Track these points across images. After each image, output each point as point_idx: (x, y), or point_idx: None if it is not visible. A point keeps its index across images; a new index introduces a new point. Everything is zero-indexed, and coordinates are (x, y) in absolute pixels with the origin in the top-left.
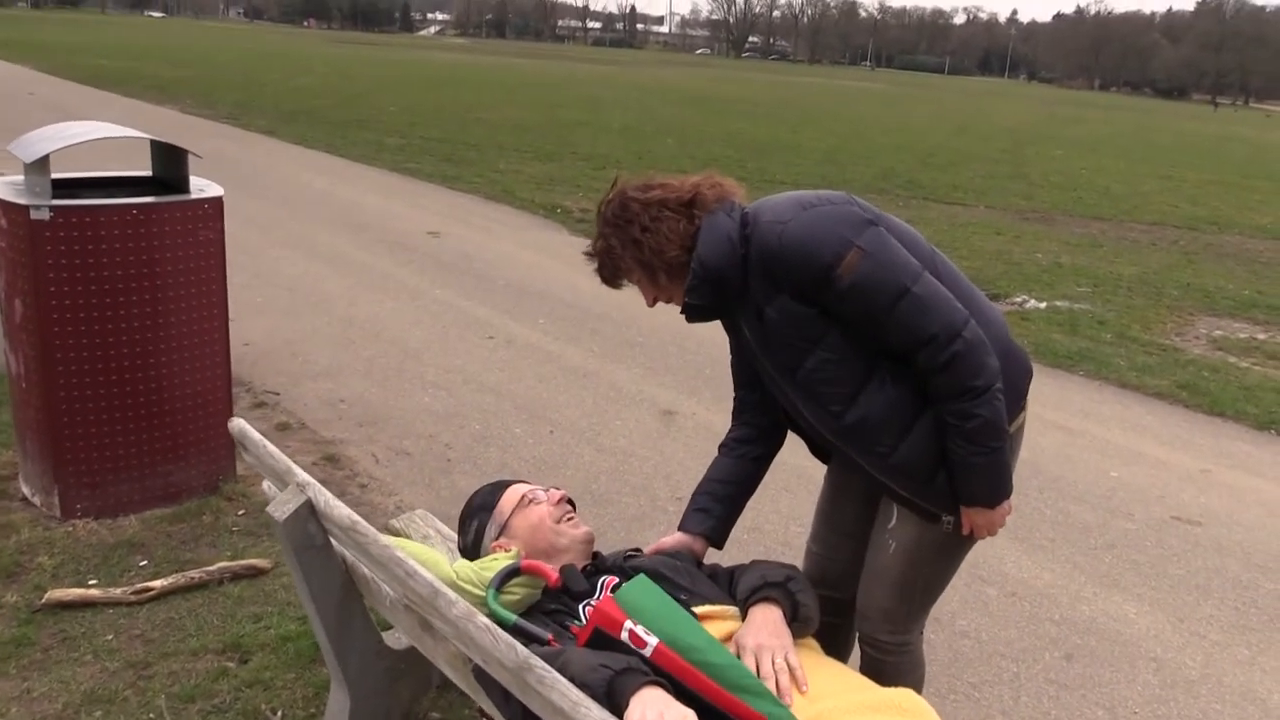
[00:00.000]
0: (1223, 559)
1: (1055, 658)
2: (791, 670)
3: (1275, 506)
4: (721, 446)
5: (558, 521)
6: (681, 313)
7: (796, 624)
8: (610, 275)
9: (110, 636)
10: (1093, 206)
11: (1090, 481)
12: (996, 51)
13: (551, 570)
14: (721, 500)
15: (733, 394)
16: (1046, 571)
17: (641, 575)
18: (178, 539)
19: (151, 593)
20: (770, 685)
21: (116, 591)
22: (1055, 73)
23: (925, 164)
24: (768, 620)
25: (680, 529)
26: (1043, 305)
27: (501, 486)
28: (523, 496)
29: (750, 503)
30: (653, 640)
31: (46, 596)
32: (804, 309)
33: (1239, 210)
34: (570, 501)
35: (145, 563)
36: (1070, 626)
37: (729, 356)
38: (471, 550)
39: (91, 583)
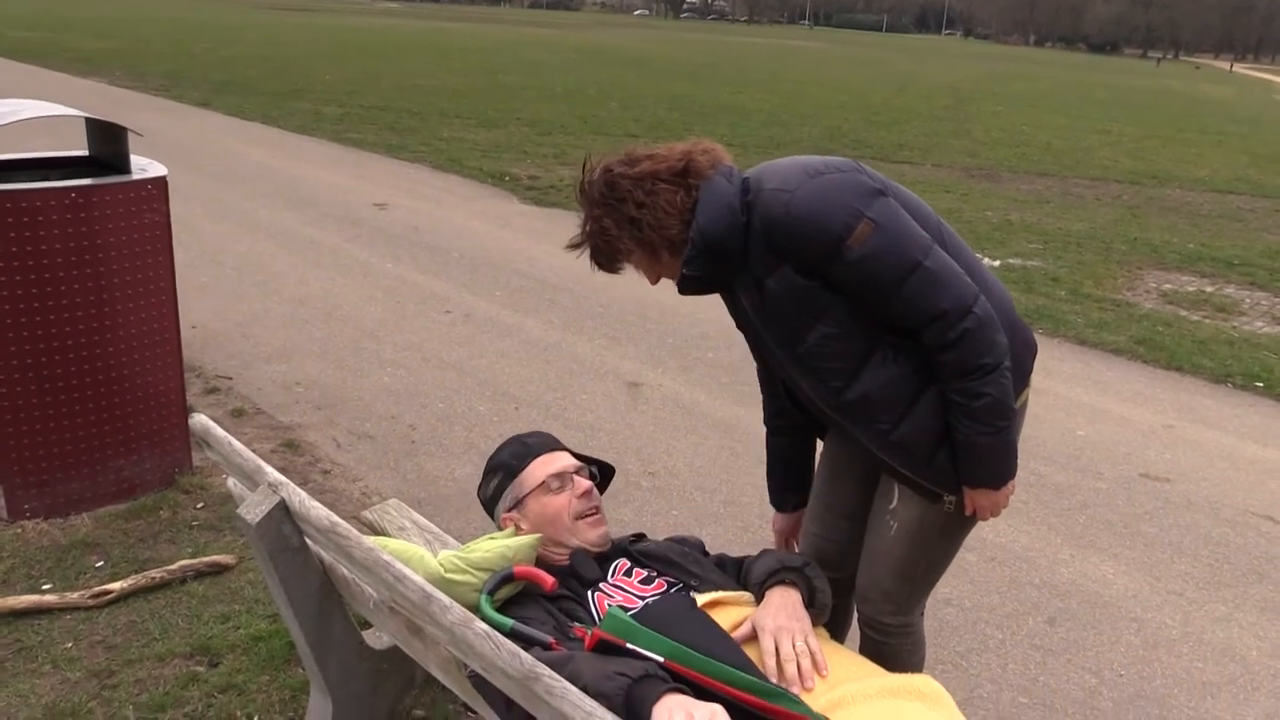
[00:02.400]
0: (1193, 515)
1: (1039, 622)
2: (812, 653)
3: (1238, 460)
4: (768, 425)
5: (576, 518)
6: (678, 286)
7: (812, 610)
8: (607, 260)
9: (69, 644)
10: (1036, 163)
11: (1058, 441)
12: (932, 9)
13: (548, 577)
14: (795, 473)
15: (704, 356)
16: (1023, 535)
17: (612, 611)
18: (135, 537)
19: (110, 595)
20: (790, 668)
21: (73, 595)
22: (990, 29)
23: (870, 122)
24: (787, 602)
25: (777, 508)
26: (996, 263)
27: (532, 451)
28: (546, 480)
29: (725, 476)
30: (658, 658)
31: None
32: (807, 282)
33: (1178, 164)
34: (595, 478)
35: (101, 563)
36: (1051, 590)
37: (692, 326)
38: (488, 505)
39: (46, 587)
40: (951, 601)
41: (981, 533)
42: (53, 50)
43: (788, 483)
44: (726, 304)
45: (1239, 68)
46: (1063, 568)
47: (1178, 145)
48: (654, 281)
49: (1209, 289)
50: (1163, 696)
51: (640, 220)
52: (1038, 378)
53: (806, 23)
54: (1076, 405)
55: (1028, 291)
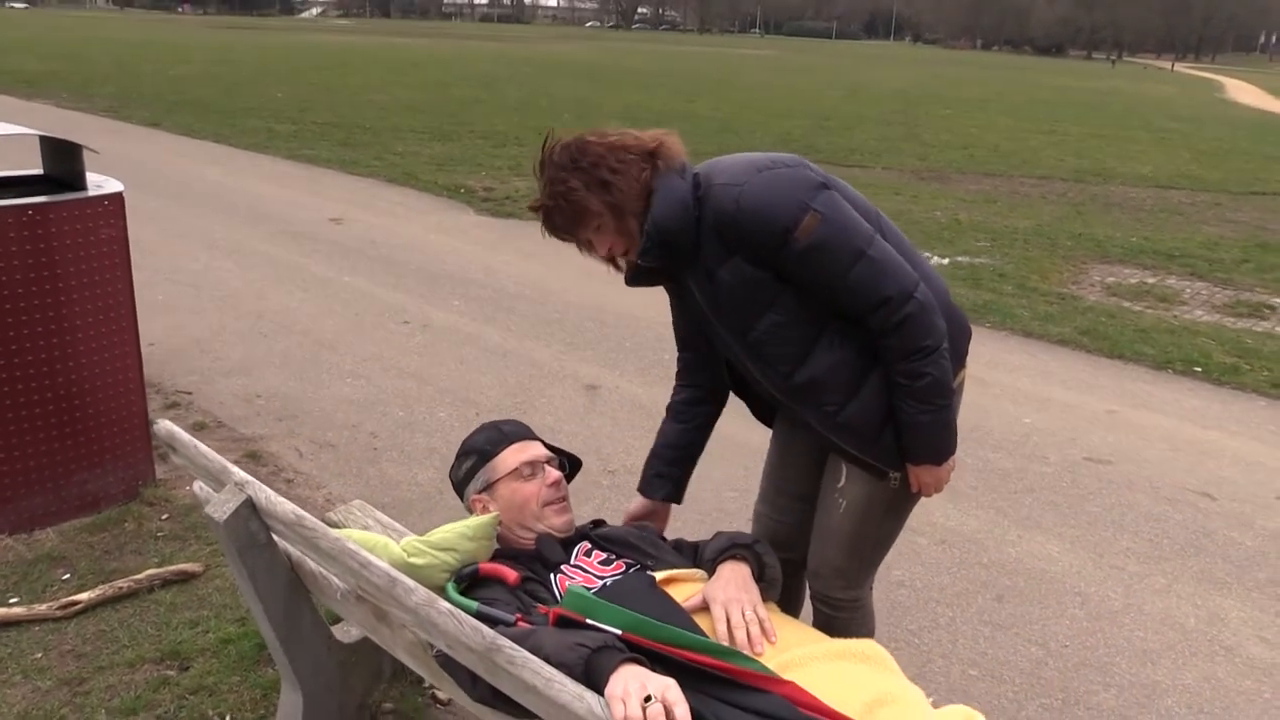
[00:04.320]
0: (1134, 494)
1: (987, 600)
2: (761, 621)
3: (1178, 441)
4: (670, 409)
5: (545, 505)
6: (625, 278)
7: (762, 584)
8: (567, 222)
9: (39, 654)
10: (984, 163)
11: (1006, 429)
12: (881, 15)
13: (510, 572)
14: (675, 464)
15: (660, 359)
16: (972, 519)
17: (572, 589)
18: (100, 549)
19: (78, 606)
20: (740, 635)
21: (41, 608)
22: (938, 34)
23: (821, 128)
24: (736, 575)
25: (642, 493)
26: (945, 261)
27: (506, 438)
28: (518, 467)
29: None
30: (615, 630)
31: None
32: (757, 272)
33: (1121, 161)
34: (564, 469)
35: (68, 576)
36: (999, 569)
37: (648, 329)
38: (459, 486)
39: (13, 600)
40: (904, 583)
41: (932, 517)
42: None
43: (667, 470)
44: (672, 295)
45: (1180, 67)
46: (1010, 548)
47: (1121, 143)
48: (604, 255)
49: (1151, 280)
50: (1106, 664)
51: (612, 184)
52: (985, 369)
53: (757, 31)
54: (1023, 394)
55: (975, 287)
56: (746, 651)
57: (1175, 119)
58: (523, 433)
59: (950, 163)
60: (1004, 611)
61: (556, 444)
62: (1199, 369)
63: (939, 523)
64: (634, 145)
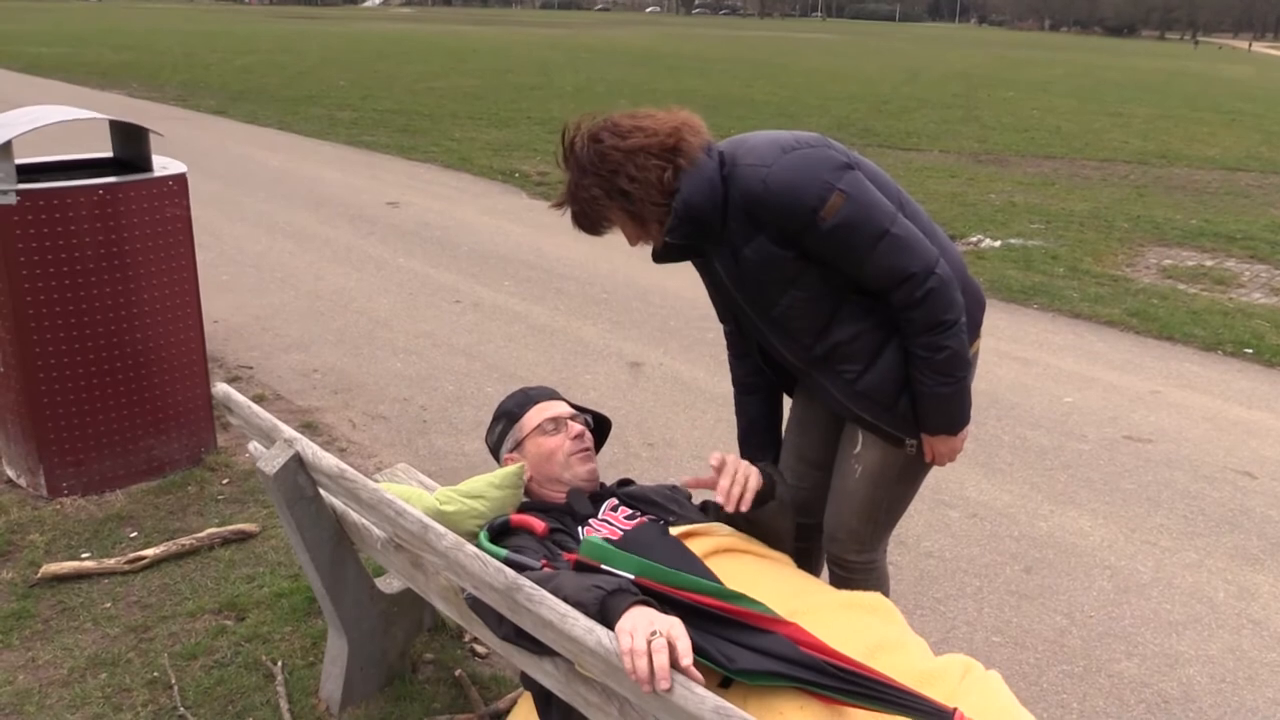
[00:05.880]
0: (1172, 472)
1: (1015, 571)
2: (747, 481)
3: (1221, 421)
4: (739, 385)
5: (569, 455)
6: (654, 255)
7: (774, 501)
8: (591, 225)
9: (108, 604)
10: (1045, 146)
11: (1045, 408)
12: None
13: (539, 523)
14: (769, 434)
15: (703, 337)
16: (1005, 493)
17: (588, 539)
18: (165, 510)
19: (144, 561)
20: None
21: (110, 562)
22: (1005, 15)
23: (879, 111)
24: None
25: None
26: (997, 244)
27: (530, 400)
28: (542, 423)
29: (721, 446)
30: (629, 575)
31: (42, 571)
32: (782, 251)
33: (1187, 143)
34: (590, 426)
35: (135, 534)
36: (1029, 542)
37: (692, 309)
38: (494, 449)
39: (84, 555)
40: (933, 554)
41: (964, 491)
42: (72, 64)
43: (762, 439)
44: (699, 270)
45: (1258, 46)
46: (1042, 522)
47: (1190, 125)
48: (633, 244)
49: (1209, 263)
50: (1130, 635)
51: (631, 193)
52: (1030, 349)
53: (819, 15)
54: (1066, 374)
55: (1026, 269)
56: (722, 500)
57: (1248, 100)
58: (547, 394)
59: (1009, 145)
60: (1031, 582)
61: None
62: (1250, 350)
63: (971, 497)
64: (654, 146)
